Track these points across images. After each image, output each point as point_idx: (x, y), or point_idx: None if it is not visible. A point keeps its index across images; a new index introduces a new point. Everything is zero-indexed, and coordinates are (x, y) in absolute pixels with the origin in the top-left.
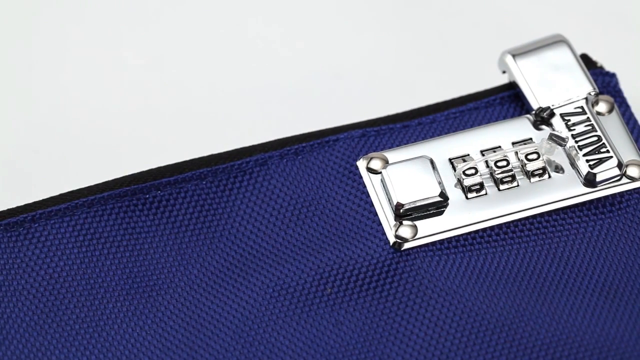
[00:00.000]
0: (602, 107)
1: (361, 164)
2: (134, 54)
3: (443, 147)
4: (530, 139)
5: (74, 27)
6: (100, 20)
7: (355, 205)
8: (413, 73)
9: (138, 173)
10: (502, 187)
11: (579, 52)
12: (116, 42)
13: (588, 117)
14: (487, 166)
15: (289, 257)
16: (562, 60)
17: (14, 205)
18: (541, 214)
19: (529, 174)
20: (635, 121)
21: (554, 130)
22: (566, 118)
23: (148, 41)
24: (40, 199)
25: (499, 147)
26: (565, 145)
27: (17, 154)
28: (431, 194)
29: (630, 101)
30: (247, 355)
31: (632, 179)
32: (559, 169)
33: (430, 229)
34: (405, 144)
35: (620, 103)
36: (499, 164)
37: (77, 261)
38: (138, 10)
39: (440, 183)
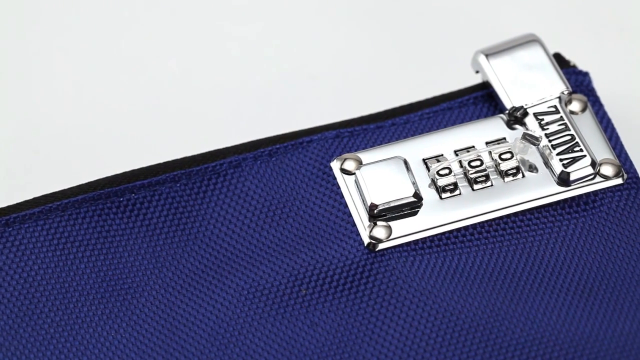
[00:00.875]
0: (575, 106)
1: (335, 165)
2: (122, 56)
3: (417, 148)
4: (504, 138)
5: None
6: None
7: (330, 206)
8: (386, 74)
9: (112, 176)
10: (476, 187)
11: (552, 51)
12: (107, 43)
13: (561, 116)
14: (461, 166)
15: (263, 258)
16: (535, 60)
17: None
18: (515, 214)
19: (503, 174)
20: (609, 120)
21: (527, 129)
22: (539, 117)
23: (130, 43)
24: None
25: (473, 147)
26: (538, 144)
27: (17, 154)
28: (405, 194)
29: (603, 100)
30: (223, 358)
31: (606, 178)
32: (532, 168)
33: (404, 230)
34: (379, 144)
35: (593, 102)
36: (473, 163)
37: (51, 265)
38: (108, 13)
39: (414, 183)
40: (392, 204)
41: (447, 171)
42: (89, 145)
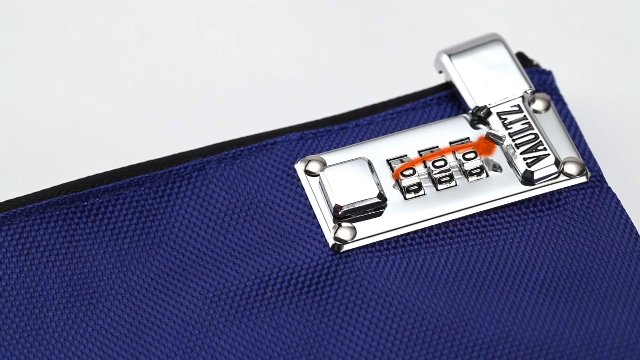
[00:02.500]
0: (539, 105)
1: (299, 167)
2: (87, 60)
3: (381, 148)
4: (468, 138)
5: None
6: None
7: (295, 208)
8: (350, 75)
9: (76, 181)
10: (440, 187)
11: (515, 50)
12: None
13: (525, 116)
14: (425, 167)
15: (229, 261)
16: (498, 59)
17: None
18: (480, 213)
19: (467, 174)
20: (572, 118)
21: (491, 129)
22: (503, 117)
23: (95, 47)
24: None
25: (437, 147)
26: (502, 144)
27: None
28: (369, 195)
29: (567, 99)
30: None
31: (570, 177)
32: (497, 168)
33: (369, 231)
34: (343, 146)
35: (557, 101)
36: (437, 164)
37: (16, 270)
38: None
39: (378, 184)
40: (357, 205)
41: (411, 172)
42: (56, 149)
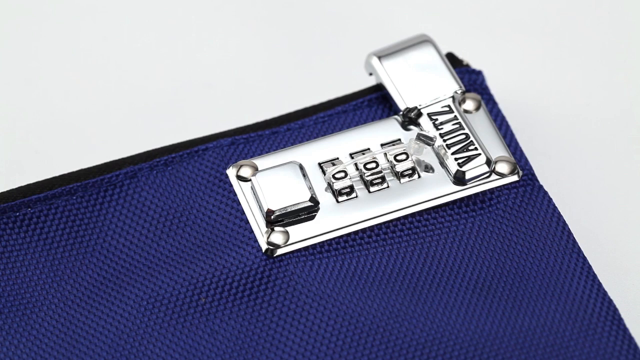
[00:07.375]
0: (469, 104)
1: (231, 172)
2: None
3: (312, 152)
4: (399, 139)
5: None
6: None
7: (227, 213)
8: (281, 79)
9: (7, 191)
10: (372, 189)
11: (444, 51)
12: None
13: (455, 116)
14: (357, 169)
15: (162, 268)
16: (428, 60)
17: None
18: (412, 214)
19: (399, 175)
20: (503, 117)
21: (421, 130)
22: (434, 117)
23: (29, 51)
24: None
25: (368, 149)
26: (433, 144)
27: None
28: (301, 199)
29: (497, 98)
30: None
31: (502, 175)
32: (428, 168)
33: (302, 234)
34: (274, 150)
35: (487, 100)
36: (369, 166)
37: None
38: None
39: (310, 188)
40: (289, 209)
41: (342, 174)
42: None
